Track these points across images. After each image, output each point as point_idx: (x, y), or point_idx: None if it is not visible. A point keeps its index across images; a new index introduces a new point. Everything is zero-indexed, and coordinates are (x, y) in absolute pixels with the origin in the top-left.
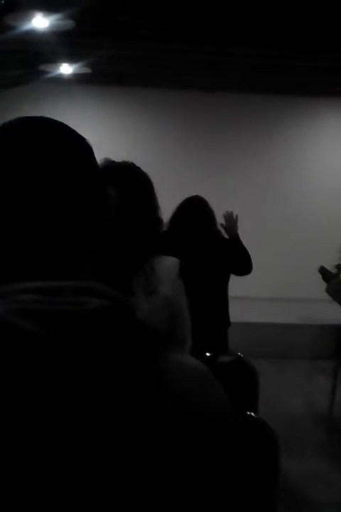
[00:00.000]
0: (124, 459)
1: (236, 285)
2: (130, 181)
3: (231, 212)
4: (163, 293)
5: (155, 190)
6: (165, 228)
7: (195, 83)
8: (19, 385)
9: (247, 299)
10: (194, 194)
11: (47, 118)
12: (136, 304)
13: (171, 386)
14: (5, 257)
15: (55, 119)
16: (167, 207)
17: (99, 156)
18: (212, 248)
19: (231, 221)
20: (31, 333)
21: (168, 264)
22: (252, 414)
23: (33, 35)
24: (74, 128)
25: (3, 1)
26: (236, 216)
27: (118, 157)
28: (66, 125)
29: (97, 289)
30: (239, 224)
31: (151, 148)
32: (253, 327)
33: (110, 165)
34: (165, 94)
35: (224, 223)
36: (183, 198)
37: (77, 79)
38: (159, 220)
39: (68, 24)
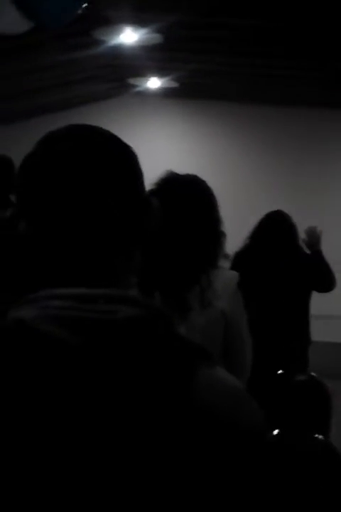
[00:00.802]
0: (149, 470)
1: (319, 303)
2: (191, 193)
3: (315, 228)
4: (219, 306)
5: (218, 204)
6: (246, 242)
7: (293, 98)
8: (44, 390)
9: (329, 317)
10: (278, 207)
11: (93, 126)
12: (190, 317)
13: (200, 400)
14: (41, 263)
15: (138, 131)
16: (253, 218)
17: (186, 168)
18: (293, 264)
19: (314, 236)
20: (59, 340)
21: (225, 278)
22: (319, 436)
23: (121, 50)
24: (160, 141)
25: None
26: (320, 231)
27: (204, 170)
28: (111, 133)
29: (129, 298)
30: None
31: (238, 162)
32: (336, 347)
33: (172, 177)
34: (253, 109)
35: (306, 238)
36: (275, 209)
37: (164, 93)
38: (220, 234)
39: (156, 38)
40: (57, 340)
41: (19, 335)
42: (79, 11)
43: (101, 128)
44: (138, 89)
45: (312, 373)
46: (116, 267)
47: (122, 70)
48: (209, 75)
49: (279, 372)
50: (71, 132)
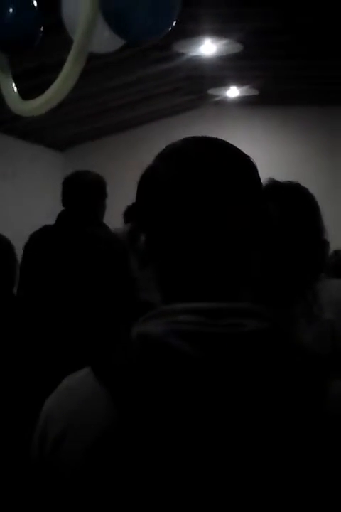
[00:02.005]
0: (289, 485)
1: None
2: (294, 202)
3: None
4: (325, 319)
5: (321, 213)
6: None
7: None
8: (172, 404)
9: None
10: None
11: (213, 138)
12: (297, 332)
13: (330, 411)
14: (168, 277)
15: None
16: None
17: (271, 175)
18: None
19: None
20: (186, 355)
21: (332, 288)
22: None
23: (201, 61)
24: (242, 149)
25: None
26: None
27: (286, 178)
28: (230, 144)
29: (254, 311)
30: None
31: (319, 167)
32: None
33: (274, 185)
34: (334, 114)
35: None
36: None
37: (244, 101)
38: (324, 243)
39: (236, 47)
40: (186, 355)
41: (145, 350)
42: (171, 27)
43: (219, 139)
44: (217, 99)
45: None
46: (237, 279)
47: (202, 81)
48: (289, 81)
49: None
50: (192, 146)
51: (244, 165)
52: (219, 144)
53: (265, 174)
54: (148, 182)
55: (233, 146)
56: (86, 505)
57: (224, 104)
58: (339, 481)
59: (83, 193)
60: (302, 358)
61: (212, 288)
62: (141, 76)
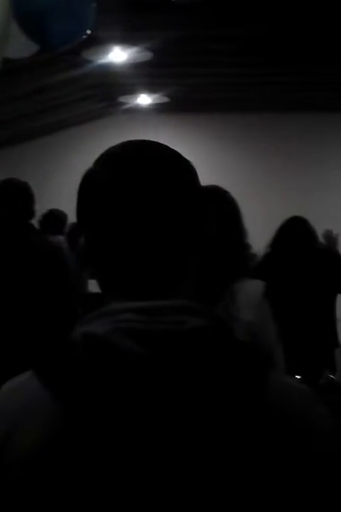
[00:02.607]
0: (229, 478)
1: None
2: (216, 205)
3: (331, 231)
4: (244, 319)
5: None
6: (267, 249)
7: (278, 104)
8: (118, 402)
9: None
10: (277, 215)
11: (153, 142)
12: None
13: (272, 404)
14: (107, 278)
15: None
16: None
17: None
18: (316, 267)
19: (331, 239)
20: (131, 352)
21: (250, 289)
22: None
23: (110, 68)
24: None
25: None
26: (336, 235)
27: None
28: (169, 148)
29: (195, 308)
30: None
31: (233, 172)
32: None
33: None
34: (246, 118)
35: (323, 242)
36: (267, 220)
37: (155, 108)
38: (245, 246)
39: (146, 55)
40: (130, 352)
41: (89, 350)
42: (85, 35)
43: (159, 143)
44: (128, 106)
45: (332, 376)
46: (176, 278)
47: (112, 88)
48: (200, 88)
49: (297, 377)
50: (132, 149)
51: (182, 168)
52: (157, 148)
53: None
54: (85, 185)
55: (172, 150)
56: (34, 504)
57: (136, 111)
58: (279, 472)
59: (14, 198)
60: (243, 353)
61: (151, 287)
62: (48, 83)
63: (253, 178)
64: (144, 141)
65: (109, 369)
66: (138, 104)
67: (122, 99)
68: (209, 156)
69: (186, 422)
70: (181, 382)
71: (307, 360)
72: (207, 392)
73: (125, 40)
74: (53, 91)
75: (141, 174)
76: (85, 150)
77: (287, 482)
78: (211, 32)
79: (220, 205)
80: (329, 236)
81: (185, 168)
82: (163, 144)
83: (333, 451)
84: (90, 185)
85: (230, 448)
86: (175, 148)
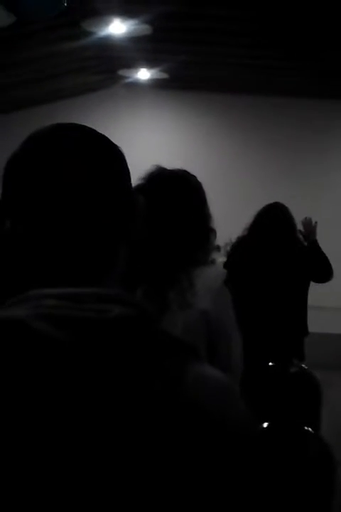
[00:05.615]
0: (139, 468)
1: (313, 294)
2: (178, 190)
3: (310, 219)
4: (199, 307)
5: (208, 200)
6: (244, 233)
7: (275, 88)
8: (36, 388)
9: (323, 308)
10: (271, 199)
11: (79, 125)
12: (168, 318)
13: (186, 395)
14: (30, 263)
15: (128, 122)
16: (238, 213)
17: (176, 160)
18: (293, 255)
19: (310, 227)
20: (52, 338)
21: (210, 276)
22: (309, 429)
23: (110, 41)
24: (150, 132)
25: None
26: (316, 223)
27: (193, 163)
28: (97, 132)
29: (120, 297)
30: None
31: (229, 152)
32: (330, 338)
33: (161, 172)
34: (243, 100)
35: (302, 229)
36: (269, 200)
37: (154, 84)
38: (208, 230)
39: (145, 29)
40: (50, 338)
41: (7, 334)
42: (63, 7)
43: (87, 127)
44: (128, 80)
45: (303, 365)
46: (102, 266)
47: (112, 61)
48: (199, 66)
49: (270, 364)
50: (57, 132)
51: (110, 154)
52: (84, 131)
53: (169, 156)
54: (10, 167)
55: (102, 135)
56: None
57: (135, 85)
58: (191, 463)
59: None
60: (164, 344)
61: (76, 274)
62: (47, 52)
63: (251, 162)
64: (73, 124)
65: (25, 354)
66: (138, 79)
67: (122, 72)
68: (209, 137)
69: (95, 410)
70: (96, 371)
71: (277, 348)
72: (121, 382)
73: (125, 13)
74: (51, 60)
75: (62, 157)
76: (84, 121)
77: (198, 471)
78: (210, 9)
79: (183, 188)
80: (307, 224)
81: (111, 153)
82: (91, 128)
83: (247, 444)
84: (13, 167)
85: (139, 438)
86: (170, 125)
